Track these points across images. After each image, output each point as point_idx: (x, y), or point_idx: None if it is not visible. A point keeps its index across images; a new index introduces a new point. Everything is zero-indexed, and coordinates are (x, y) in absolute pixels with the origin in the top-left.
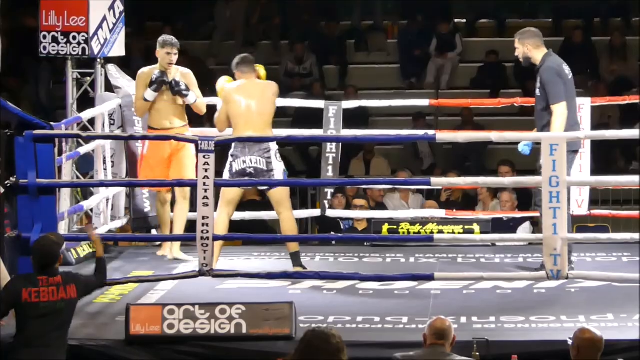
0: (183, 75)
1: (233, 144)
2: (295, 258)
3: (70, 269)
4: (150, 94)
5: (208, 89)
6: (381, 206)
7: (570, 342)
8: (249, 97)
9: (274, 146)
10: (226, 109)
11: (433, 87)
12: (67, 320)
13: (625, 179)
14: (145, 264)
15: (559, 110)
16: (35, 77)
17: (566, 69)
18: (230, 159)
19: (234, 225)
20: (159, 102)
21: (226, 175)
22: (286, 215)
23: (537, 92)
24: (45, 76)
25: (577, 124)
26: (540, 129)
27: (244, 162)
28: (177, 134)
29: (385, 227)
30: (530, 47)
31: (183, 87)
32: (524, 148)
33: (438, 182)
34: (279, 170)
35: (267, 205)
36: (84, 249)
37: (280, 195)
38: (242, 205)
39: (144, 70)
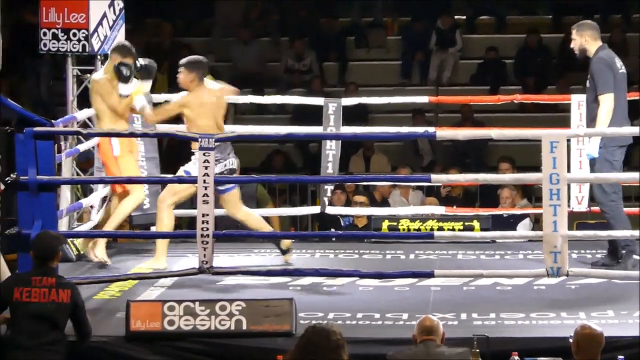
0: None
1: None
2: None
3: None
4: (124, 88)
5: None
6: (386, 202)
7: (571, 339)
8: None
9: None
10: (177, 111)
11: (434, 83)
12: (58, 324)
13: (626, 176)
14: (145, 260)
15: (605, 101)
16: (35, 74)
17: (618, 63)
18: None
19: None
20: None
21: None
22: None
23: (587, 83)
24: (45, 73)
25: (627, 119)
26: (589, 121)
27: (225, 165)
28: (178, 131)
29: (386, 224)
30: (588, 39)
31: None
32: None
33: (438, 178)
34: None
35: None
36: (84, 245)
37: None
38: None
39: (102, 77)
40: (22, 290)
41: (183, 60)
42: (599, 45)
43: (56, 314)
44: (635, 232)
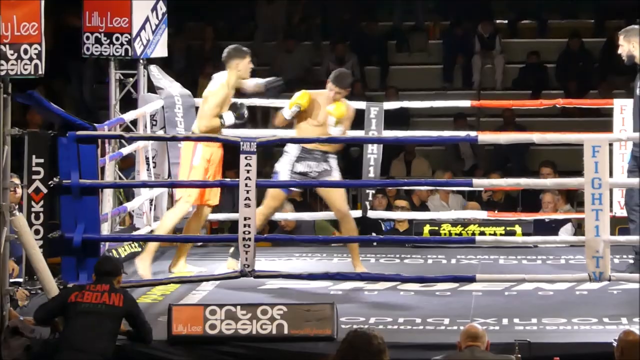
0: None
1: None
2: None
3: None
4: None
5: None
6: (425, 206)
7: (614, 343)
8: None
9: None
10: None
11: (479, 87)
12: (107, 326)
13: None
14: (188, 264)
15: None
16: (78, 78)
17: None
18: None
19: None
20: None
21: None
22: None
23: (638, 91)
24: (88, 76)
25: None
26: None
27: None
28: (219, 135)
29: (427, 229)
30: (637, 45)
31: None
32: None
33: (480, 183)
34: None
35: (308, 206)
36: (125, 249)
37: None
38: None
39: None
40: (77, 293)
41: (338, 81)
42: None
43: (106, 315)
44: None
